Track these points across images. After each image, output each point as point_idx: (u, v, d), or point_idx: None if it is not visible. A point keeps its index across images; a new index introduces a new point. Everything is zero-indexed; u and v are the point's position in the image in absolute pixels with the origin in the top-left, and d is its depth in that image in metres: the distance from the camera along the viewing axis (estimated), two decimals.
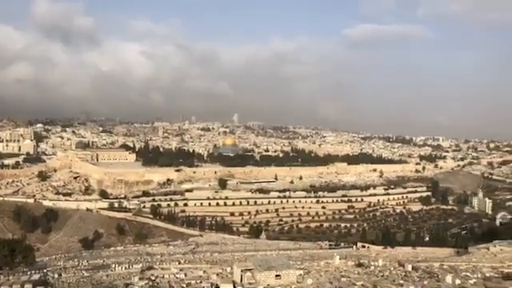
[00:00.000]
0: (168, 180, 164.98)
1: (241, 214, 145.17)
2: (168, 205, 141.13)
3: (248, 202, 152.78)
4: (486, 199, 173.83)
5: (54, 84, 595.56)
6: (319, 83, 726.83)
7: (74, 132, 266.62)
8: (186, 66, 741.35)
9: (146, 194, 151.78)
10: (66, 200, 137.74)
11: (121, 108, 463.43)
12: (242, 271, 45.61)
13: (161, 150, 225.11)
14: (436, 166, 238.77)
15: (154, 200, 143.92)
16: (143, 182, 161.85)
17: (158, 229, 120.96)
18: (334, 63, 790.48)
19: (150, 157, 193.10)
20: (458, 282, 39.23)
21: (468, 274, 46.14)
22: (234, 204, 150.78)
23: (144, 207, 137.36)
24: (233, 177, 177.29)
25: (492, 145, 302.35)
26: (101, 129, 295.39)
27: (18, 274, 35.87)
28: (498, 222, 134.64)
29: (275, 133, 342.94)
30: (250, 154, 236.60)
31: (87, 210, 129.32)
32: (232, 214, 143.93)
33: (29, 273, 40.04)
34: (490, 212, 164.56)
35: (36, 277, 36.18)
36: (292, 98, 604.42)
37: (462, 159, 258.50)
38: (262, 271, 44.74)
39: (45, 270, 49.95)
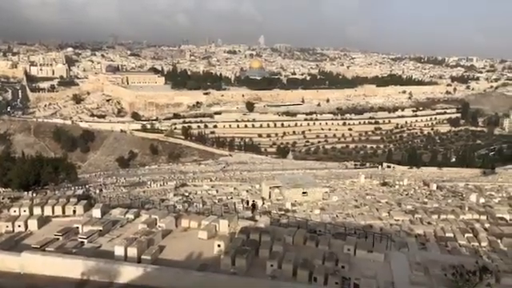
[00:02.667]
0: (197, 103, 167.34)
1: (268, 136, 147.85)
2: (198, 126, 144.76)
3: (275, 125, 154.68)
4: None
5: (78, 5, 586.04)
6: (346, 1, 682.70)
7: (103, 56, 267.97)
8: None
9: (176, 116, 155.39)
10: (100, 122, 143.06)
11: (147, 31, 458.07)
12: (270, 188, 47.35)
13: (188, 73, 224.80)
14: (468, 87, 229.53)
15: (184, 122, 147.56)
16: (173, 104, 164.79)
17: (189, 149, 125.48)
18: None
19: (179, 80, 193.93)
20: (482, 200, 39.80)
21: (493, 193, 46.58)
22: (261, 126, 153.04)
23: (175, 129, 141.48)
24: (260, 100, 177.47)
25: None
26: (129, 52, 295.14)
27: (63, 189, 38.97)
28: None
29: (302, 55, 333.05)
30: (276, 77, 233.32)
31: (121, 131, 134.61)
32: (260, 136, 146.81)
33: (72, 188, 43.28)
34: None
35: (80, 192, 39.23)
36: (320, 17, 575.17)
37: (495, 80, 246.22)
38: (290, 188, 46.31)
39: (87, 186, 53.65)
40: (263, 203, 42.50)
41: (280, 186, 48.11)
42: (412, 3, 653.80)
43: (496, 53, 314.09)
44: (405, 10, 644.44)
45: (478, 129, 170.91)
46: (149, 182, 62.88)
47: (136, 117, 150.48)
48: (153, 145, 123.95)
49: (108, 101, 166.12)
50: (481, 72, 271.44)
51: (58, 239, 17.18)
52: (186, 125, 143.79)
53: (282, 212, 35.68)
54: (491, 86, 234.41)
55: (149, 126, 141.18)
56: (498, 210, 33.85)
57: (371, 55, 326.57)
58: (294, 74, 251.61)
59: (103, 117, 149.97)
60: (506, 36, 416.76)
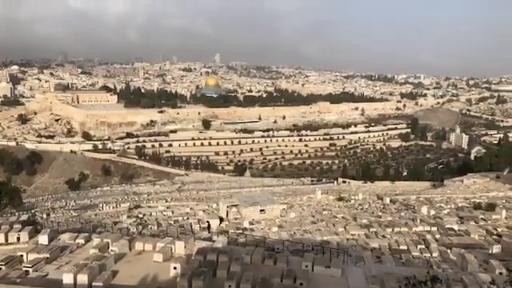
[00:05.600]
0: (151, 121, 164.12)
1: (225, 154, 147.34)
2: (153, 146, 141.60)
3: (232, 142, 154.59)
4: (463, 135, 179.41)
5: (24, 21, 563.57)
6: (303, 20, 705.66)
7: (52, 74, 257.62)
8: (162, 3, 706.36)
9: (129, 135, 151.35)
10: (48, 142, 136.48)
11: (99, 49, 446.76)
12: (227, 207, 46.84)
13: (142, 91, 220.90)
14: (416, 103, 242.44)
15: (138, 141, 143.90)
16: (126, 123, 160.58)
17: (143, 169, 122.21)
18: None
19: (132, 98, 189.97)
20: (432, 212, 41.44)
21: (442, 204, 48.65)
22: (218, 144, 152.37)
23: (128, 148, 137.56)
24: (216, 117, 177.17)
25: (471, 82, 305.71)
26: (80, 70, 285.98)
27: (6, 215, 36.29)
28: (472, 156, 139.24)
29: (258, 73, 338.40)
30: (233, 94, 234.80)
31: (71, 152, 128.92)
32: (217, 154, 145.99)
33: (17, 214, 40.54)
34: (465, 147, 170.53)
35: (24, 217, 36.75)
36: (275, 35, 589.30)
37: (441, 96, 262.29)
38: (247, 207, 46.03)
39: (33, 211, 50.59)
40: (220, 223, 41.88)
41: (237, 204, 47.72)
42: (361, 24, 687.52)
43: (441, 70, 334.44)
44: (356, 30, 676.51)
45: (427, 143, 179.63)
46: (101, 205, 60.55)
47: (87, 137, 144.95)
48: (105, 165, 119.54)
49: (57, 121, 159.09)
50: (428, 89, 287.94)
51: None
52: (139, 144, 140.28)
53: (240, 231, 35.27)
54: (438, 102, 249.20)
55: (100, 146, 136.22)
56: (447, 221, 35.33)
57: (324, 73, 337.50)
58: (250, 91, 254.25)
59: (52, 137, 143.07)
60: (449, 56, 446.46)
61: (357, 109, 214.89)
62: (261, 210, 45.61)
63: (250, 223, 41.12)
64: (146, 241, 19.54)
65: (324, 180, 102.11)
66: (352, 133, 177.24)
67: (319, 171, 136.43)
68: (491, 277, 15.69)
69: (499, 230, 31.18)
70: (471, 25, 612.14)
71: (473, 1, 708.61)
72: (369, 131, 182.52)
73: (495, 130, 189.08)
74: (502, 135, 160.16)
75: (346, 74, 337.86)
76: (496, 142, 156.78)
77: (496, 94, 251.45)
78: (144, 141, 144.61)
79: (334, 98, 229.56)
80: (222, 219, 44.44)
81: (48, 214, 49.67)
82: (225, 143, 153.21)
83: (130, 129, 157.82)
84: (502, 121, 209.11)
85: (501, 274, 16.63)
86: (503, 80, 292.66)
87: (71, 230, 23.45)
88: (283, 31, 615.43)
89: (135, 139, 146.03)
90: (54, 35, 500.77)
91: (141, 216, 48.59)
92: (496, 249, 24.57)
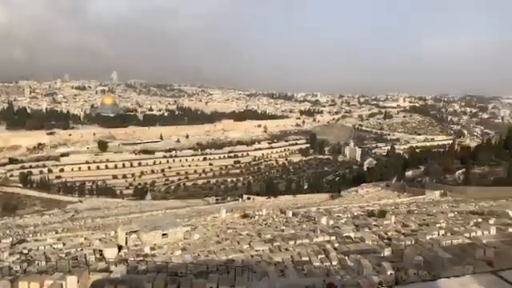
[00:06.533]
0: (39, 144, 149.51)
1: (124, 177, 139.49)
2: (41, 171, 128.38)
3: (131, 164, 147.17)
4: (356, 148, 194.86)
5: None
6: (205, 39, 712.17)
7: None
8: (49, 17, 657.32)
9: (13, 161, 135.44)
10: None
11: None
12: (126, 234, 43.44)
13: (28, 111, 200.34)
14: (314, 119, 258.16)
15: (23, 167, 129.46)
16: (9, 147, 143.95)
17: (29, 198, 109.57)
18: (220, 18, 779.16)
19: (16, 119, 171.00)
20: (331, 222, 42.96)
21: (340, 214, 50.94)
22: (116, 166, 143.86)
23: (11, 176, 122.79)
24: (114, 138, 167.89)
25: (362, 99, 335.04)
26: None
27: None
28: (365, 168, 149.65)
29: (159, 91, 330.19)
30: (132, 113, 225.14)
31: None
32: (115, 177, 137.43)
33: None
34: (359, 159, 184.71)
35: None
36: (177, 54, 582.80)
37: (336, 113, 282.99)
38: (148, 232, 43.18)
39: None
40: (119, 251, 38.47)
41: (138, 230, 44.54)
42: (262, 44, 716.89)
43: (336, 89, 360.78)
44: (259, 50, 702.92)
45: (325, 157, 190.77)
46: None
47: None
48: None
49: None
50: (324, 106, 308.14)
51: None
52: (25, 170, 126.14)
53: (141, 258, 32.55)
54: (333, 119, 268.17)
55: None
56: (345, 230, 36.71)
57: (228, 91, 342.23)
58: (151, 110, 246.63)
59: None
60: (343, 76, 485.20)
61: (260, 126, 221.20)
62: (163, 234, 43.00)
63: (152, 249, 38.24)
64: (32, 279, 16.66)
65: (229, 198, 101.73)
66: (256, 149, 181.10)
67: (224, 189, 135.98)
68: (383, 278, 16.18)
69: (389, 233, 33.22)
70: (358, 45, 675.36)
71: (358, 23, 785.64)
72: (272, 147, 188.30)
73: (384, 142, 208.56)
74: (389, 147, 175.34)
75: (249, 92, 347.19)
76: (385, 153, 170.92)
77: (383, 110, 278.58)
78: (30, 166, 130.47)
79: (238, 116, 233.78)
80: (120, 247, 41.09)
81: None
82: (123, 165, 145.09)
83: (14, 153, 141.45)
84: (389, 134, 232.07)
85: (391, 274, 17.46)
86: (389, 97, 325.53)
87: None
88: (186, 49, 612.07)
89: (20, 165, 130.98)
90: None
91: (26, 252, 42.71)
92: (387, 251, 25.88)
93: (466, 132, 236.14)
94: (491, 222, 26.87)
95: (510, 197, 46.36)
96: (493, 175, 68.60)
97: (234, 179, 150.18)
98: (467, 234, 22.37)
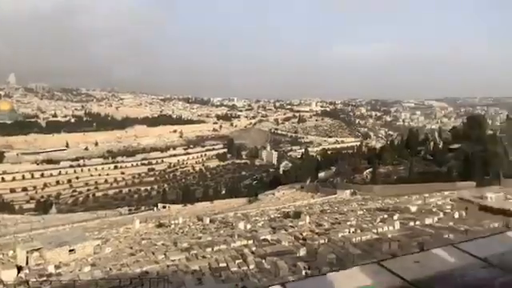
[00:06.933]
0: None
1: (24, 190, 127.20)
2: None
3: (33, 175, 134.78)
4: (273, 151, 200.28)
5: None
6: (115, 40, 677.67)
7: None
8: None
9: None
10: None
11: None
12: (27, 253, 39.19)
13: None
14: (231, 124, 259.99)
15: None
16: None
17: None
18: (130, 18, 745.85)
19: None
20: (249, 226, 43.15)
21: (257, 218, 51.45)
22: (14, 179, 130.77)
23: None
24: (11, 147, 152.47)
25: (278, 104, 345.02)
26: None
27: None
28: (281, 171, 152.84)
29: (65, 96, 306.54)
30: (33, 120, 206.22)
31: None
32: (13, 191, 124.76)
33: None
34: (275, 162, 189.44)
35: None
36: (85, 56, 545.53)
37: (253, 117, 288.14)
38: (53, 249, 39.38)
39: None
40: (19, 272, 34.44)
41: (40, 247, 40.40)
42: (176, 46, 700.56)
43: (252, 93, 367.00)
44: (170, 51, 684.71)
45: (243, 161, 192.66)
46: None
47: None
48: None
49: None
50: (241, 111, 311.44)
51: None
52: None
53: (44, 278, 29.48)
54: (250, 123, 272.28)
55: None
56: (262, 233, 37.04)
57: (140, 96, 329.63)
58: (55, 116, 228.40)
59: None
60: (260, 81, 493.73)
61: (175, 131, 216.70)
62: (70, 250, 39.44)
63: (57, 267, 34.93)
64: None
65: (143, 208, 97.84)
66: (171, 156, 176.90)
67: (138, 199, 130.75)
68: (298, 277, 16.39)
69: (304, 234, 34.23)
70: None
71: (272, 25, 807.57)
72: (188, 153, 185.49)
73: (298, 145, 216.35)
74: (303, 150, 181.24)
75: (164, 96, 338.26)
76: (299, 156, 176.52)
77: (298, 114, 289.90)
78: None
79: (152, 121, 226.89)
80: (20, 268, 36.88)
81: None
82: (23, 177, 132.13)
83: None
84: (303, 137, 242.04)
85: (306, 273, 17.75)
86: (302, 102, 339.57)
87: None
88: (94, 52, 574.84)
89: None
90: None
91: None
92: (302, 251, 26.55)
93: (372, 134, 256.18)
94: (395, 217, 28.88)
95: (411, 193, 50.57)
96: (396, 174, 74.70)
97: (148, 188, 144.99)
98: (375, 230, 23.73)
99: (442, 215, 27.48)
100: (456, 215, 26.52)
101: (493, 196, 31.63)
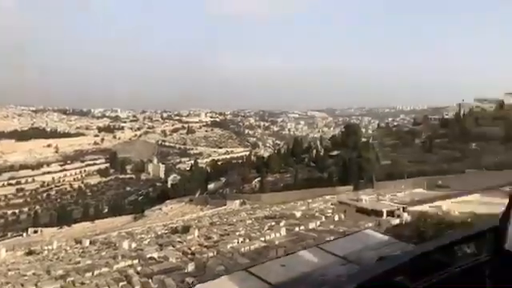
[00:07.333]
0: None
1: None
2: None
3: None
4: (160, 164, 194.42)
5: None
6: None
7: None
8: None
9: None
10: None
11: None
12: None
13: None
14: (114, 136, 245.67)
15: None
16: None
17: None
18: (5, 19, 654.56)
19: None
20: (134, 245, 40.67)
21: (143, 235, 48.85)
22: None
23: None
24: None
25: (165, 114, 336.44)
26: None
27: None
28: (169, 184, 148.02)
29: None
30: None
31: None
32: None
33: None
34: (163, 176, 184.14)
35: None
36: None
37: (139, 129, 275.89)
38: None
39: None
40: None
41: None
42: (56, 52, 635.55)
43: (138, 104, 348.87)
44: (45, 57, 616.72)
45: (127, 176, 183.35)
46: None
47: None
48: None
49: None
50: (125, 122, 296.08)
51: None
52: None
53: None
54: (135, 135, 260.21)
55: None
56: (148, 251, 35.11)
57: (7, 107, 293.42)
58: None
59: None
60: (146, 91, 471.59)
61: (49, 146, 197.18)
62: None
63: None
64: None
65: (10, 234, 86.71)
66: (44, 173, 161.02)
67: (4, 224, 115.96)
68: None
69: (193, 248, 33.40)
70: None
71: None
72: (64, 169, 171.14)
73: (187, 157, 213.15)
74: (193, 161, 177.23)
75: (35, 107, 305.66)
76: (189, 168, 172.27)
77: (186, 125, 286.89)
78: None
79: (21, 135, 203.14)
80: None
81: None
82: None
83: None
84: (192, 149, 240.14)
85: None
86: (191, 112, 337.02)
87: None
88: None
89: None
90: None
91: None
92: (190, 267, 25.74)
93: (260, 143, 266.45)
94: (281, 224, 29.78)
95: (296, 199, 53.23)
96: (283, 181, 78.41)
97: (17, 211, 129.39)
98: (262, 238, 24.01)
99: (323, 219, 29.11)
100: (336, 218, 28.28)
101: (367, 198, 34.73)
